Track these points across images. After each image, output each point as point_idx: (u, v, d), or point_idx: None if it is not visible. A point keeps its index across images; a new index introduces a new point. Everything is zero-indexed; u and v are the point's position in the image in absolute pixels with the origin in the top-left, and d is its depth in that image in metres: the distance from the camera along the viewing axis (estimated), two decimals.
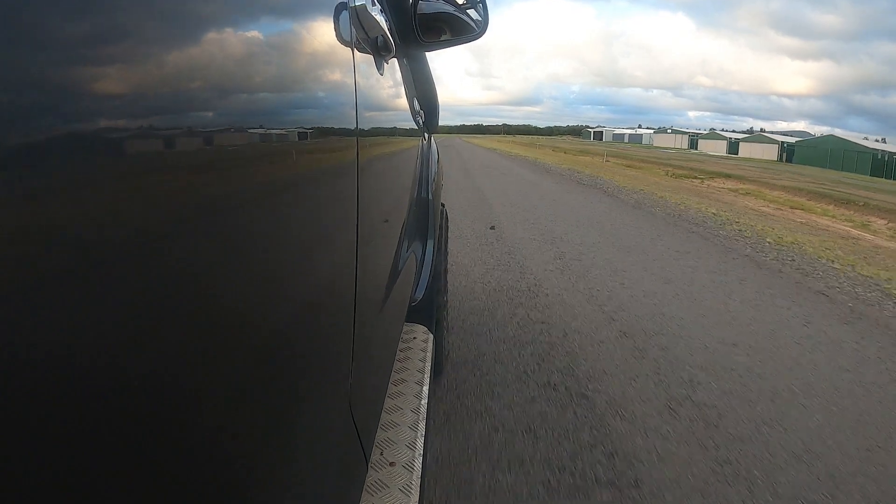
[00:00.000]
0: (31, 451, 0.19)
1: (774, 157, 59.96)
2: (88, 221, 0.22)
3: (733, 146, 71.79)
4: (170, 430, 0.28)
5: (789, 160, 56.34)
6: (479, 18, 1.30)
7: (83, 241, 0.22)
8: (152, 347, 0.26)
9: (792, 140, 64.27)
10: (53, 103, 0.20)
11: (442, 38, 1.27)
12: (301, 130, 0.48)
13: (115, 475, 0.24)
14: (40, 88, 0.20)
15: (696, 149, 77.79)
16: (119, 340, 0.24)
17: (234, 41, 0.37)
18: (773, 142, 65.31)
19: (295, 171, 0.47)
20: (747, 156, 61.28)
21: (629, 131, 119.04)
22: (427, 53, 1.48)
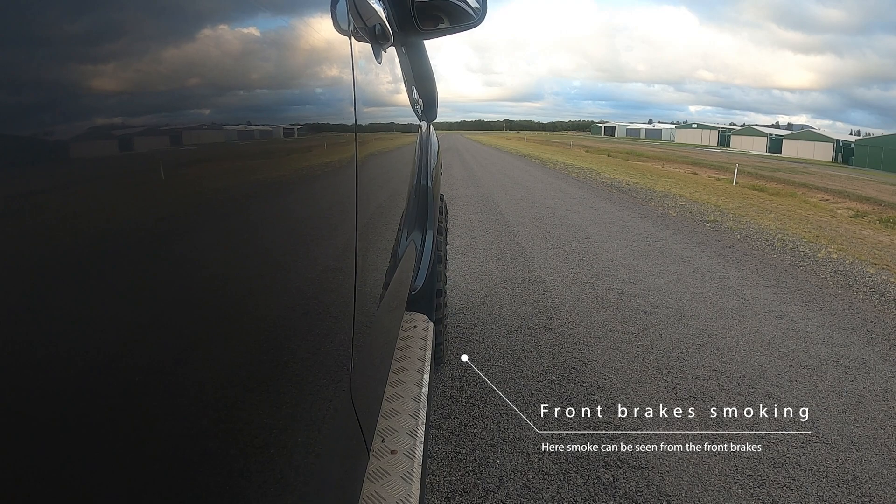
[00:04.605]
0: (34, 450, 0.19)
1: (828, 157, 51.73)
2: (87, 218, 0.21)
3: (775, 144, 62.75)
4: (172, 424, 0.28)
5: (846, 161, 48.64)
6: (478, 6, 1.29)
7: (83, 238, 0.21)
8: (157, 338, 0.26)
9: (848, 138, 54.90)
10: (51, 100, 0.20)
11: (440, 27, 1.26)
12: (299, 121, 0.47)
13: (132, 456, 0.24)
14: (39, 86, 0.19)
15: (729, 146, 69.39)
16: (121, 334, 0.24)
17: (232, 32, 0.36)
18: (825, 139, 55.73)
19: (294, 162, 0.47)
20: (794, 155, 53.49)
21: (645, 126, 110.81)
22: (426, 47, 1.47)
